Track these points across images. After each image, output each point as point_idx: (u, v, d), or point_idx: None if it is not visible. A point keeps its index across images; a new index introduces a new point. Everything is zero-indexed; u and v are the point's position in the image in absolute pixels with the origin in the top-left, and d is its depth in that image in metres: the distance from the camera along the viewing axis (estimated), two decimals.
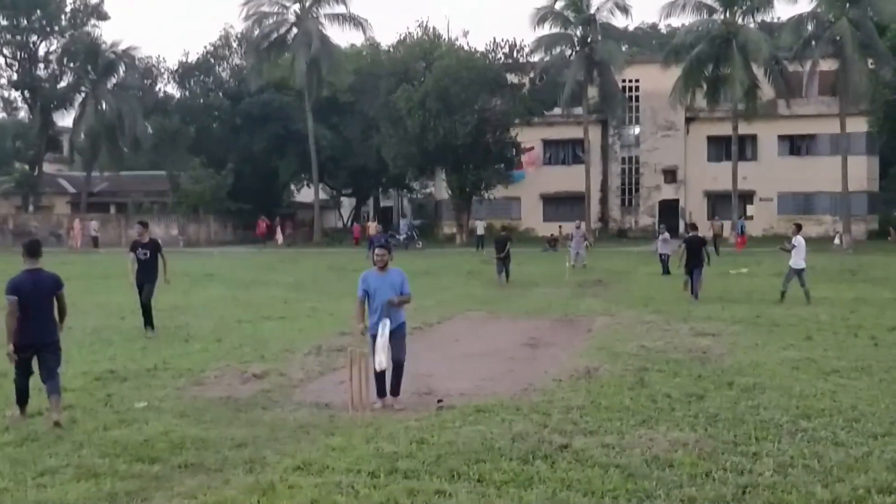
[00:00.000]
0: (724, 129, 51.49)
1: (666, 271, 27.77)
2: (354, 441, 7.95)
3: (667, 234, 29.47)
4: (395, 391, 9.84)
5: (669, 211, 54.64)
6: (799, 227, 20.54)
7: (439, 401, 9.79)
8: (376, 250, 10.11)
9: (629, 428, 8.31)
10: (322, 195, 61.26)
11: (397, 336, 9.78)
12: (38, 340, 8.91)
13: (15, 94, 67.37)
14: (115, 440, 8.04)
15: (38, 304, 8.90)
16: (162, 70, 66.57)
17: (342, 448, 7.72)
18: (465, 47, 52.99)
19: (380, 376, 9.79)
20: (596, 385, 10.34)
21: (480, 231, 47.90)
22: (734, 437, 7.98)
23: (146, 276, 15.45)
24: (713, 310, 18.12)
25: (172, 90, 67.06)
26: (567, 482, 6.72)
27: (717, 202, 53.90)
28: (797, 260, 19.54)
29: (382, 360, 9.52)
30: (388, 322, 9.60)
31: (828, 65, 46.85)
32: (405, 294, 9.90)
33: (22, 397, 9.02)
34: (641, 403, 9.34)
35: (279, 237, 55.02)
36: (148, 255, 15.50)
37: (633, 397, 9.63)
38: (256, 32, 57.12)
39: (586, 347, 13.56)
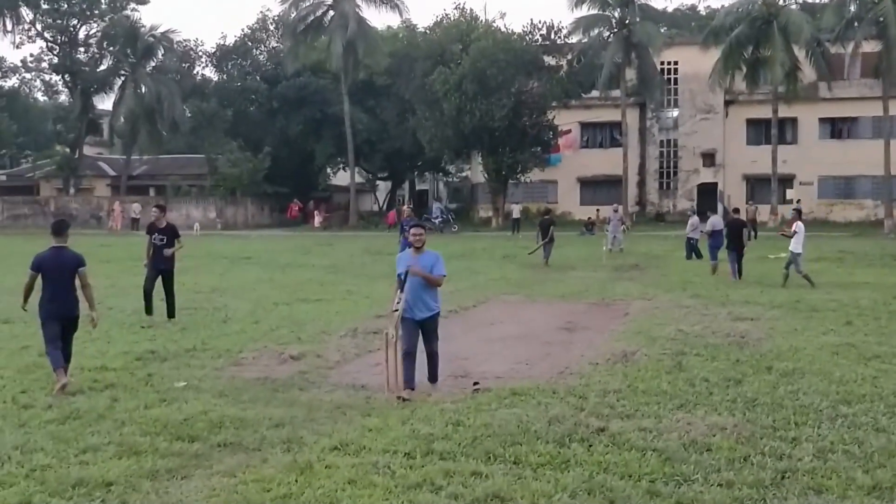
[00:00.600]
0: (764, 112, 50.81)
1: (691, 256, 27.71)
2: (390, 422, 7.99)
3: (696, 218, 29.29)
4: (433, 377, 9.80)
5: (708, 195, 54.05)
6: (799, 213, 20.65)
7: (475, 384, 9.78)
8: (412, 230, 9.97)
9: (667, 412, 8.28)
10: (358, 178, 61.38)
11: (429, 327, 9.66)
12: (62, 314, 9.50)
13: (56, 78, 68.42)
14: (156, 419, 8.15)
15: (60, 279, 9.49)
16: (200, 53, 67.12)
17: (378, 429, 7.77)
18: (503, 29, 52.73)
19: (408, 365, 9.42)
20: (633, 369, 10.29)
21: (516, 214, 47.81)
22: (773, 421, 7.91)
23: (163, 262, 14.62)
24: (752, 294, 17.95)
25: (210, 73, 67.62)
26: (604, 465, 6.71)
27: (756, 186, 53.30)
28: (796, 245, 19.68)
29: (392, 332, 9.46)
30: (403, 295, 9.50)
31: (871, 46, 45.94)
32: (437, 274, 9.63)
33: (57, 364, 9.42)
34: (679, 387, 9.28)
35: (317, 220, 55.21)
36: (164, 240, 14.65)
37: (670, 381, 9.57)
38: (293, 15, 57.29)
39: (623, 331, 13.48)
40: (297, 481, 6.45)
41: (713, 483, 6.36)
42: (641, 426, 7.72)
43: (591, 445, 7.20)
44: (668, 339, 12.31)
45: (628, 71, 51.86)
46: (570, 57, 53.17)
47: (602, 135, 58.26)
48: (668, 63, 55.43)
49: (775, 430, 7.64)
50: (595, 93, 52.98)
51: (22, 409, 8.61)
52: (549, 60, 52.43)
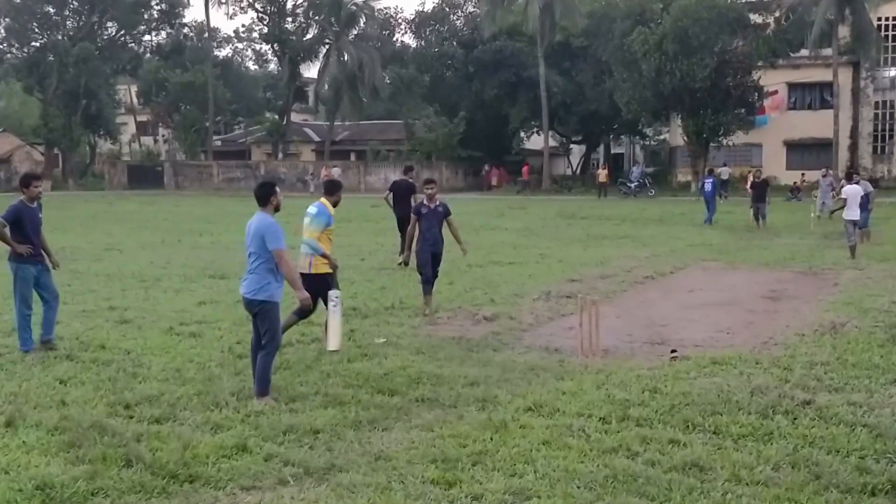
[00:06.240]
0: None
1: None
2: (585, 386, 7.96)
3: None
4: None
5: None
6: (850, 176, 20.42)
7: (673, 351, 9.56)
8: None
9: (879, 386, 7.83)
10: (552, 142, 61.05)
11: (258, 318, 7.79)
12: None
13: (265, 48, 71.92)
14: (358, 372, 8.48)
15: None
16: (399, 20, 68.63)
17: (573, 392, 7.76)
18: None
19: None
20: (842, 341, 9.75)
21: (724, 177, 45.80)
22: None
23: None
24: None
25: (409, 40, 69.06)
26: (809, 439, 6.44)
27: None
28: (850, 212, 18.75)
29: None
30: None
31: None
32: (275, 248, 7.51)
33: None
34: (893, 361, 8.75)
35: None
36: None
37: (883, 355, 9.02)
38: None
39: (832, 301, 12.78)
40: (492, 439, 6.55)
41: None
42: (851, 400, 7.34)
43: (795, 418, 6.92)
44: (881, 311, 11.60)
45: (841, 28, 48.63)
46: (777, 14, 50.46)
47: (811, 95, 55.11)
48: (886, 19, 51.64)
49: None
50: (804, 51, 50.17)
51: (237, 358, 9.18)
52: (756, 18, 49.95)
